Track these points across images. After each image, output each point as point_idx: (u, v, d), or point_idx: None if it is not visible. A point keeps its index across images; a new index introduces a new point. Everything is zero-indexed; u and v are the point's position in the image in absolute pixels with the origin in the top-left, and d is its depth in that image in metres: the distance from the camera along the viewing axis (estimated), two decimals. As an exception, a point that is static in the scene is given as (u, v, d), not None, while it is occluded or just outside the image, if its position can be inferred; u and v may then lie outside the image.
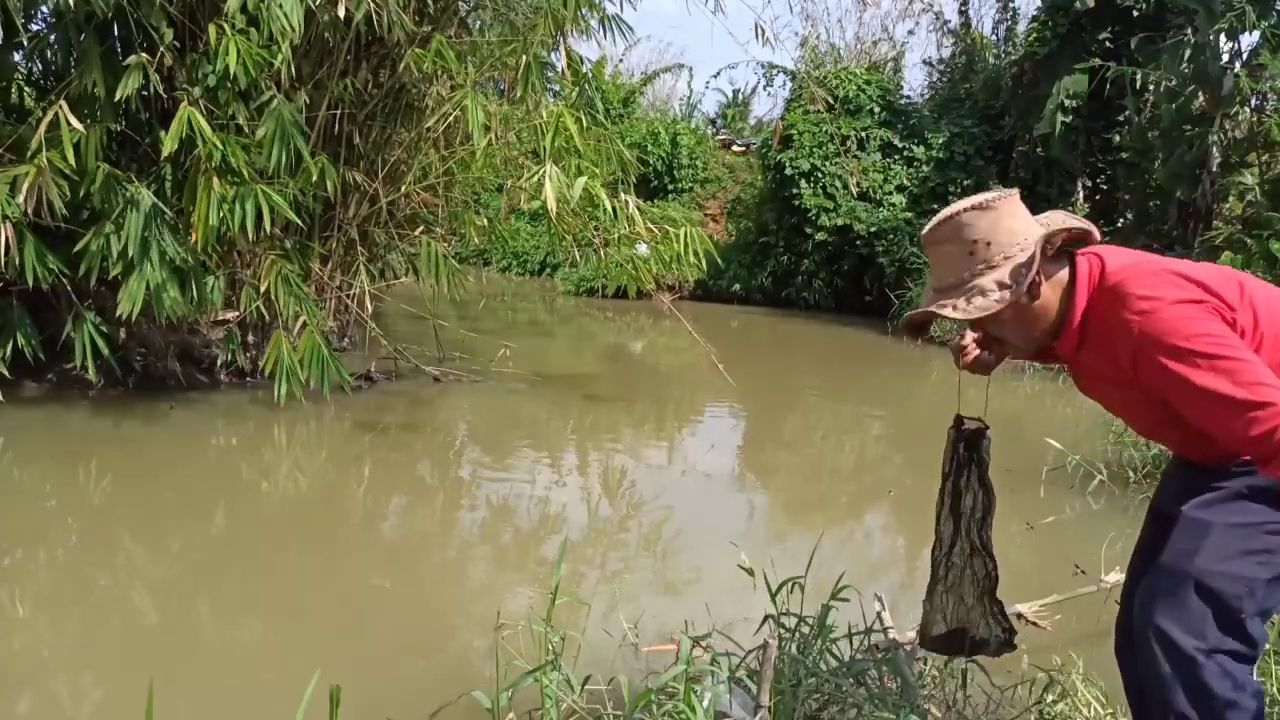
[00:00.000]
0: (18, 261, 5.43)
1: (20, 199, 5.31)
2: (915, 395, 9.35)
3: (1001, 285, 1.81)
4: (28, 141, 5.55)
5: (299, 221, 6.37)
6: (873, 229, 13.29)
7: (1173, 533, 1.80)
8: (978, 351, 2.13)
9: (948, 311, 1.84)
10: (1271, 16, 9.59)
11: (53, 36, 6.38)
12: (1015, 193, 1.89)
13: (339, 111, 6.94)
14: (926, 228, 1.92)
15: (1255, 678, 2.62)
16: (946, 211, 1.87)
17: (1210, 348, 1.65)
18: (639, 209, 7.03)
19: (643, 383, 9.43)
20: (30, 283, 5.59)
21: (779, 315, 14.01)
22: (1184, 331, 1.67)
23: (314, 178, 6.25)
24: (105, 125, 5.77)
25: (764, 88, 22.76)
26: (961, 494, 2.22)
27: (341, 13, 5.90)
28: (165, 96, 6.02)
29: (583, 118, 6.89)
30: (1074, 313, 1.87)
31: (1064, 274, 1.89)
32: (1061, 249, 1.90)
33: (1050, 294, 1.88)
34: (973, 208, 1.84)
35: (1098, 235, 1.93)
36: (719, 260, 10.49)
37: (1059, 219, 1.90)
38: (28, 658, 3.19)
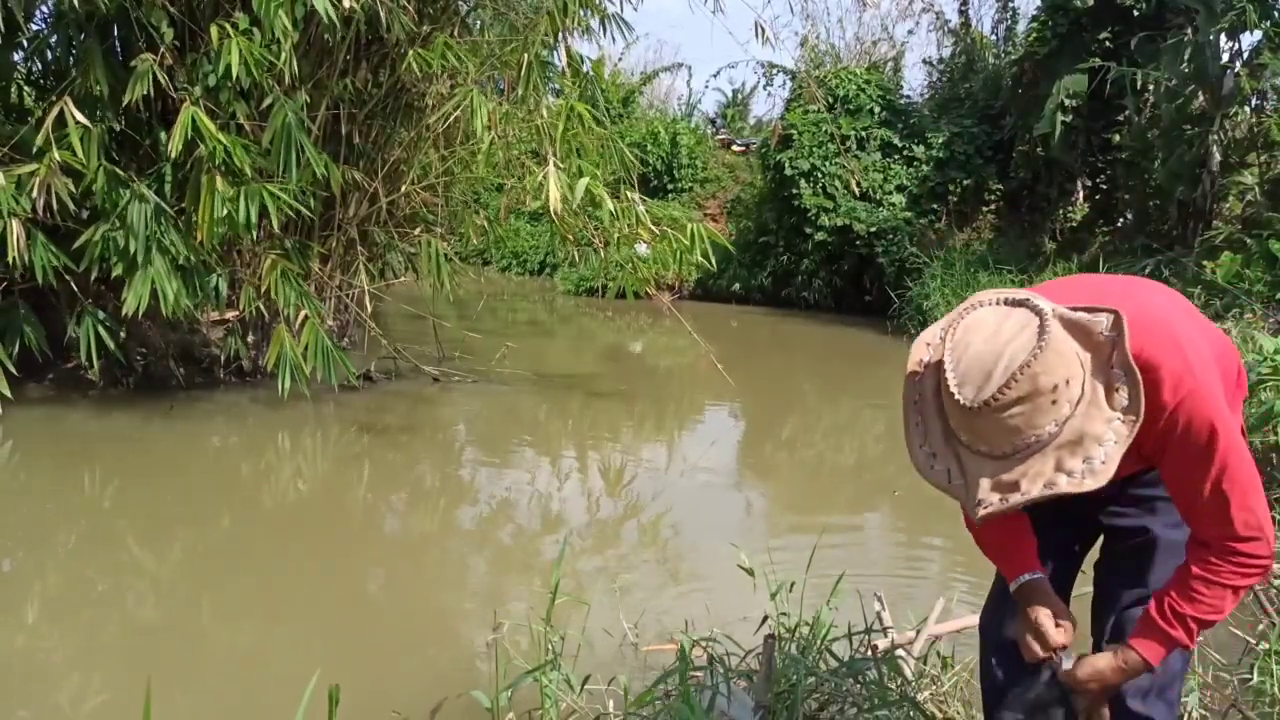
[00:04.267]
0: (27, 259, 5.43)
1: (34, 195, 5.32)
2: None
3: (1115, 419, 1.37)
4: (28, 141, 5.55)
5: (307, 212, 6.34)
6: (872, 229, 13.28)
7: (1155, 555, 1.66)
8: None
9: (1067, 486, 1.36)
10: (1272, 15, 9.57)
11: (53, 37, 6.38)
12: (1043, 304, 1.41)
13: (339, 111, 6.94)
14: (976, 395, 1.36)
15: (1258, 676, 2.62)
16: (1004, 368, 1.35)
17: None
18: (645, 210, 7.02)
19: (642, 382, 9.42)
20: (41, 280, 5.58)
21: (779, 315, 14.01)
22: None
23: (319, 173, 6.21)
24: (107, 124, 5.77)
25: (764, 87, 22.74)
26: None
27: (349, 4, 5.86)
28: (172, 95, 6.01)
29: (585, 114, 6.86)
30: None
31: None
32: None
33: None
34: (1036, 349, 1.34)
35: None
36: (731, 250, 10.41)
37: (1044, 303, 1.42)
38: (29, 657, 3.19)
